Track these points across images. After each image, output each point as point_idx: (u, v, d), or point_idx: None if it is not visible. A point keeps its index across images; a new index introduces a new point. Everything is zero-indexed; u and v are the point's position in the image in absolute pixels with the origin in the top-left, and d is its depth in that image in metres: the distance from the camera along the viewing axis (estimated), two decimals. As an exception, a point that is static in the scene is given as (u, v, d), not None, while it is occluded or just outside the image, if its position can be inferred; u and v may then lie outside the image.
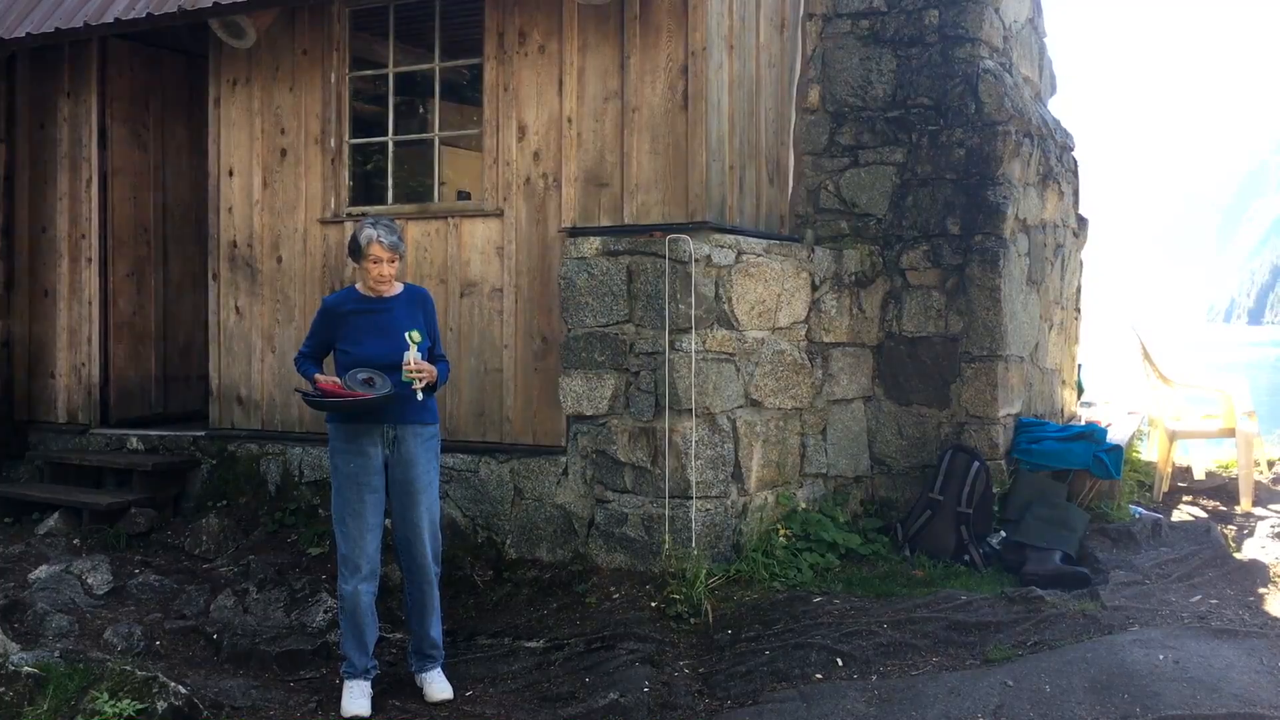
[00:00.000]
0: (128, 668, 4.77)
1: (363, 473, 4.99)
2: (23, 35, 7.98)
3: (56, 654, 5.15)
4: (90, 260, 8.40)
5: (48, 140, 8.57)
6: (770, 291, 6.72)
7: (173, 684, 4.64)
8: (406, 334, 4.97)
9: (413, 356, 4.95)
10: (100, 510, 7.36)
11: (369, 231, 5.03)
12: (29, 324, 8.64)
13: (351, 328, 5.08)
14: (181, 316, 9.04)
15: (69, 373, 8.48)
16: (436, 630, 5.16)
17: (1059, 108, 10.02)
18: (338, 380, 4.97)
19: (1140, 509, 7.71)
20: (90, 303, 8.41)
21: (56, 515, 7.46)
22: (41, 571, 6.40)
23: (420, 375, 4.96)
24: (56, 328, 8.53)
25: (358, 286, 5.20)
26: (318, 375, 5.10)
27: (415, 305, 5.19)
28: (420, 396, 4.99)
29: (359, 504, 4.98)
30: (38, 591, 6.11)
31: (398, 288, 5.19)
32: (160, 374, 8.89)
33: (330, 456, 5.12)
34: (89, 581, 6.31)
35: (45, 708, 4.57)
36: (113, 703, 4.46)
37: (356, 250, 5.08)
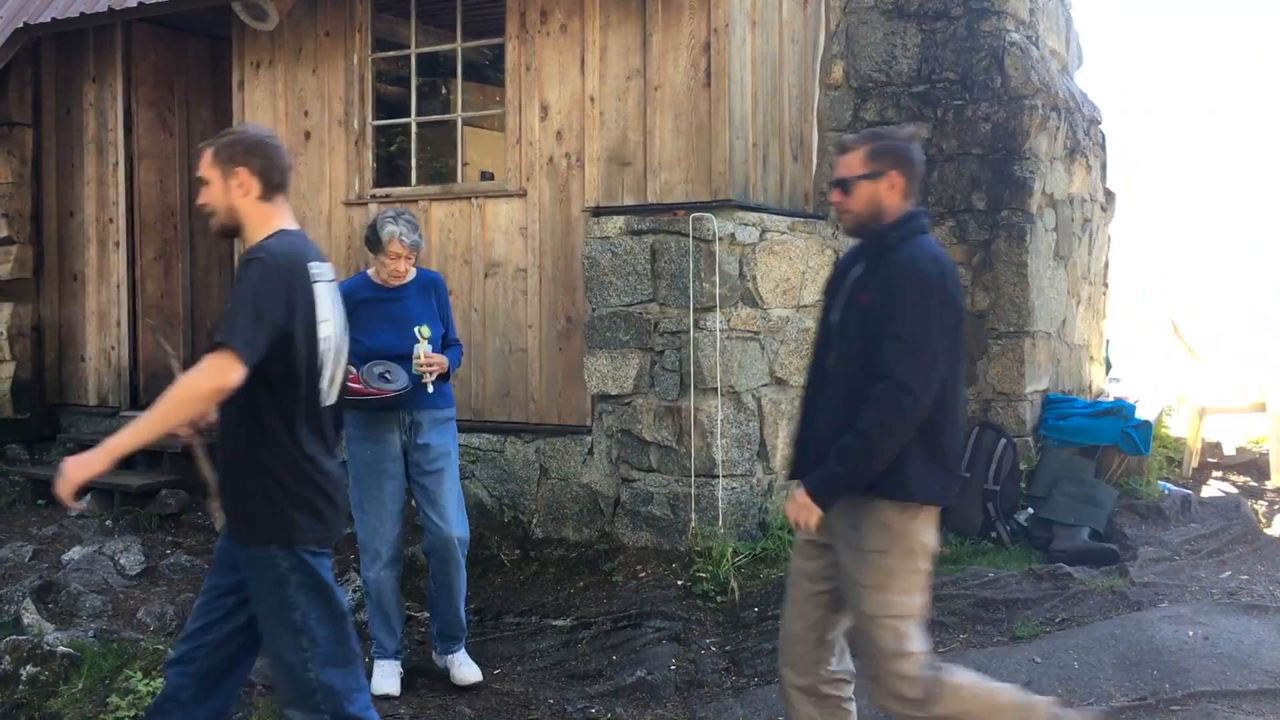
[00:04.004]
0: (160, 647, 4.83)
1: (381, 460, 4.94)
2: (48, 20, 8.01)
3: (90, 634, 5.22)
4: (118, 244, 8.46)
5: (74, 125, 8.62)
6: (795, 269, 6.70)
7: (205, 663, 4.68)
8: (416, 329, 4.91)
9: (423, 351, 4.87)
10: (131, 492, 7.43)
11: (391, 228, 4.92)
12: (58, 308, 8.71)
13: (363, 316, 4.97)
14: (209, 300, 9.09)
15: (98, 356, 8.56)
16: (462, 612, 5.09)
17: (1086, 80, 9.89)
18: (353, 370, 4.85)
19: (1169, 485, 7.66)
20: (118, 286, 8.47)
21: (88, 496, 7.53)
22: (74, 552, 6.48)
23: (430, 369, 4.89)
24: (85, 311, 8.60)
25: (370, 273, 5.10)
26: None
27: (428, 292, 5.10)
28: (431, 389, 4.91)
29: (378, 491, 4.94)
30: (71, 572, 6.18)
31: (410, 273, 5.12)
32: (189, 357, 8.95)
33: (347, 444, 5.05)
34: (121, 562, 6.39)
35: (80, 687, 4.63)
36: (146, 681, 4.52)
37: (376, 242, 4.96)
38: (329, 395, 3.29)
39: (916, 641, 3.36)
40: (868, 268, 3.39)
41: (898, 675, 3.34)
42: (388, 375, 4.83)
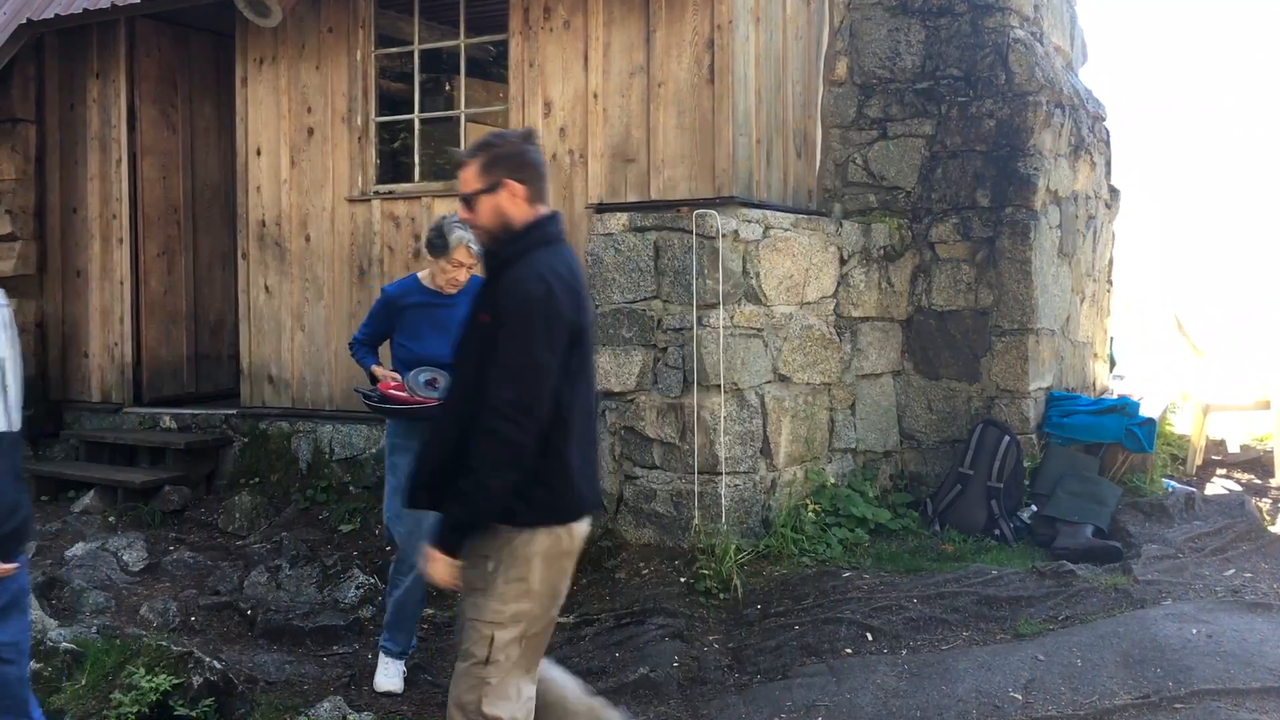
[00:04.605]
0: (164, 643, 4.83)
1: None
2: (51, 16, 8.02)
3: (94, 630, 5.22)
4: (121, 240, 8.47)
5: (77, 121, 8.62)
6: (798, 266, 6.69)
7: (208, 659, 4.69)
8: None
9: None
10: (135, 488, 7.44)
11: (460, 234, 4.63)
12: (61, 304, 8.72)
13: (412, 321, 4.80)
14: (211, 296, 9.11)
15: (102, 352, 8.56)
16: None
17: (1091, 77, 9.87)
18: (397, 377, 4.75)
19: (1173, 482, 7.65)
20: (122, 283, 8.47)
21: (92, 493, 7.56)
22: (78, 548, 6.49)
23: None
24: (89, 308, 8.60)
25: (422, 277, 4.89)
26: (375, 368, 4.87)
27: None
28: None
29: None
30: (74, 568, 6.19)
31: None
32: (191, 353, 8.97)
33: (388, 454, 4.89)
34: (124, 558, 6.39)
35: (83, 683, 4.64)
36: (149, 677, 4.51)
37: (441, 247, 4.69)
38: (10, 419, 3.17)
39: (504, 653, 3.22)
40: (487, 285, 3.31)
41: (472, 678, 3.22)
42: (435, 383, 4.65)
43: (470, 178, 3.27)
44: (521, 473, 3.12)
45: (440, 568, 3.18)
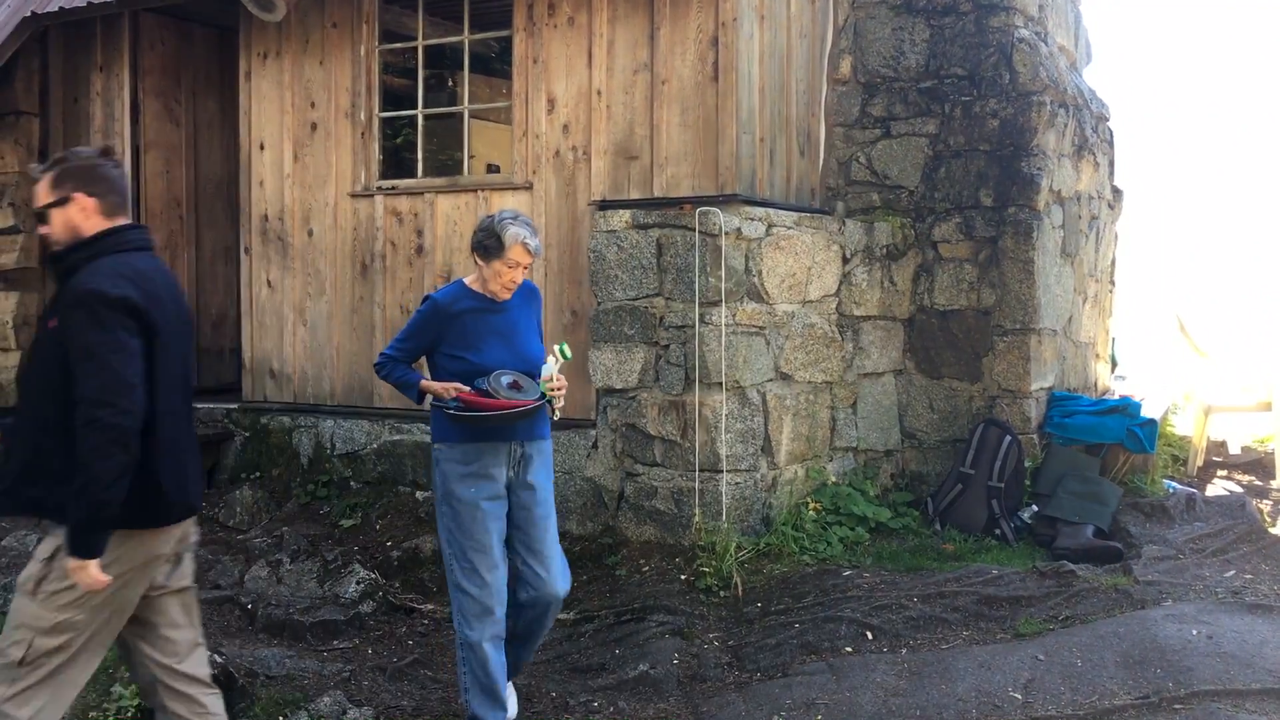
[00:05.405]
0: (164, 637, 4.82)
1: (488, 500, 4.19)
2: (55, 9, 8.02)
3: (94, 623, 5.22)
4: (124, 234, 8.47)
5: (81, 115, 8.62)
6: (800, 264, 6.69)
7: (208, 653, 4.69)
8: (556, 346, 4.24)
9: (555, 371, 4.19)
10: (136, 482, 7.44)
11: (515, 230, 4.14)
12: (64, 298, 8.72)
13: (465, 330, 4.23)
14: (214, 290, 9.11)
15: (104, 346, 8.56)
16: (530, 655, 4.65)
17: (1095, 77, 9.85)
18: (463, 387, 4.13)
19: (1174, 483, 7.65)
20: (124, 276, 8.47)
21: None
22: (79, 542, 6.49)
23: (561, 392, 4.20)
24: (91, 301, 8.59)
25: (469, 282, 4.33)
26: (429, 383, 4.28)
27: (530, 303, 4.42)
28: (557, 416, 4.26)
29: (485, 536, 4.16)
30: (76, 561, 6.19)
31: None
32: (194, 347, 8.96)
33: (442, 482, 4.23)
34: (126, 552, 6.39)
35: (84, 675, 4.64)
36: (150, 671, 4.51)
37: (495, 248, 4.15)
38: None
39: (43, 660, 3.19)
40: (57, 293, 3.33)
41: (4, 673, 3.20)
42: (518, 385, 4.15)
43: (42, 192, 3.34)
44: (130, 453, 3.10)
45: (88, 574, 3.11)
